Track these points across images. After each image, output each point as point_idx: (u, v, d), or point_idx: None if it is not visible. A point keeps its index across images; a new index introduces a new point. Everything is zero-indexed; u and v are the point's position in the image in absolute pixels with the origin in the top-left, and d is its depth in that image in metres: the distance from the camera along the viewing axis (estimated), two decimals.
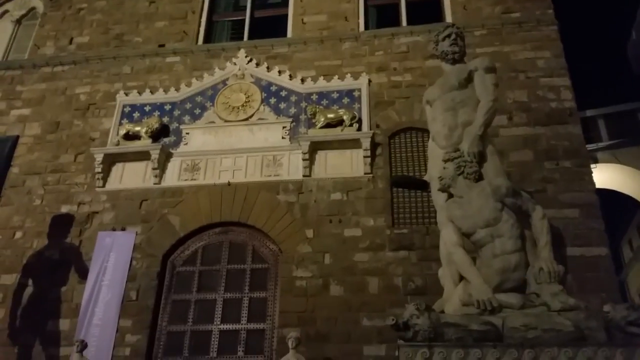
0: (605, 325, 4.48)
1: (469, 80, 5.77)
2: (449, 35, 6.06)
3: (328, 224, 8.65)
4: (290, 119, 9.83)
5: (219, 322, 8.63)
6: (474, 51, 8.89)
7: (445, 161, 5.45)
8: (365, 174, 8.87)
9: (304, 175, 9.17)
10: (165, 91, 10.71)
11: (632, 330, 4.38)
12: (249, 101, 10.29)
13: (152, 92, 10.74)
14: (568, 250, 7.69)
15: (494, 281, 5.02)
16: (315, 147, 9.24)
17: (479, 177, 5.38)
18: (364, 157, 8.90)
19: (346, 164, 9.03)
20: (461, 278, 5.22)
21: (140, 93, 10.77)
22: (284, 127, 9.81)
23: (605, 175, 18.33)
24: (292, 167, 9.34)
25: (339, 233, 8.53)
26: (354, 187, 8.85)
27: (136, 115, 10.58)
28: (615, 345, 4.33)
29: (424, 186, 6.38)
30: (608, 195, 19.18)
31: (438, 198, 5.66)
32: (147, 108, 10.62)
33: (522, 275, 5.08)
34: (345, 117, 9.16)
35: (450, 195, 5.46)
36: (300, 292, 8.28)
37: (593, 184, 8.56)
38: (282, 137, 9.72)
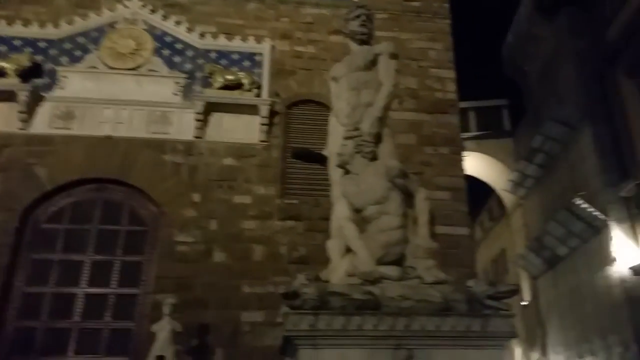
0: (467, 298, 4.99)
1: (374, 63, 5.98)
2: (358, 16, 6.19)
3: (217, 189, 8.50)
4: (185, 75, 9.38)
5: (85, 285, 8.10)
6: (374, 34, 9.17)
7: (345, 139, 5.62)
8: (260, 141, 8.83)
9: (195, 137, 8.86)
10: (41, 26, 9.53)
11: (490, 303, 4.95)
12: (139, 49, 9.59)
13: (24, 25, 9.49)
14: (437, 228, 8.42)
15: (378, 254, 5.34)
16: (210, 108, 8.95)
17: (375, 157, 5.63)
18: (261, 124, 8.84)
19: (241, 130, 8.90)
20: (348, 250, 5.47)
21: (10, 24, 9.45)
22: (176, 83, 9.33)
23: (470, 162, 20.32)
24: (182, 127, 8.96)
25: (227, 199, 8.44)
26: (248, 154, 8.77)
27: (3, 49, 9.30)
28: (475, 315, 4.86)
29: (322, 160, 6.51)
30: (468, 180, 21.18)
31: (334, 173, 5.84)
32: (17, 42, 9.41)
33: (402, 250, 5.47)
34: (244, 81, 8.98)
35: (347, 172, 5.66)
36: (180, 257, 8.08)
37: (463, 170, 9.44)
38: (174, 93, 9.25)
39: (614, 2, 16.44)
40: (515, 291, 5.20)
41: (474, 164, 21.58)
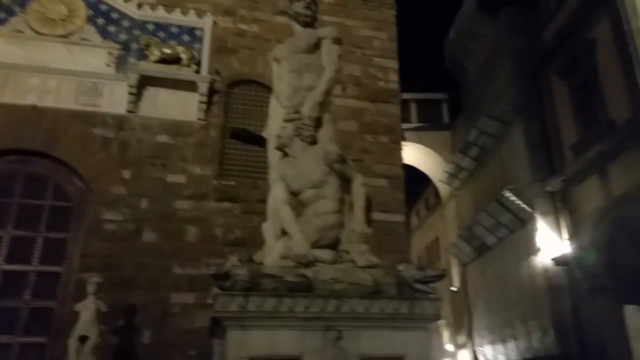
0: (397, 281, 5.10)
1: (317, 46, 5.92)
2: None
3: (149, 167, 8.19)
4: (119, 46, 8.91)
5: (2, 262, 7.61)
6: (319, 18, 9.10)
7: (285, 121, 5.55)
8: (198, 119, 8.56)
9: (127, 111, 8.47)
10: None
11: (418, 287, 5.08)
12: (71, 16, 9.01)
13: None
14: (374, 215, 8.57)
15: (313, 238, 5.34)
16: (145, 82, 8.57)
17: (314, 141, 5.60)
18: (199, 102, 8.57)
19: (178, 106, 8.60)
20: (284, 233, 5.44)
21: None
22: (110, 53, 8.86)
23: (409, 153, 20.82)
24: (114, 100, 8.53)
25: (160, 177, 8.15)
26: (184, 132, 8.49)
27: None
28: (403, 298, 4.98)
29: (261, 142, 6.40)
30: (406, 169, 21.74)
31: (273, 156, 5.76)
32: None
33: (337, 234, 5.49)
34: (183, 56, 8.66)
35: (285, 155, 5.60)
36: (108, 235, 7.75)
37: (401, 159, 9.61)
38: (107, 64, 8.79)
39: (550, 5, 17.19)
40: (442, 275, 5.36)
41: (413, 154, 22.15)
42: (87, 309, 6.63)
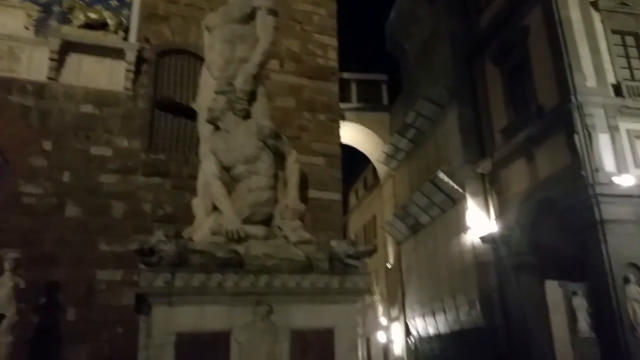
0: (329, 256, 5.12)
1: (251, 16, 5.71)
2: None
3: (72, 138, 7.71)
4: (39, 8, 8.25)
5: None
6: None
7: (217, 93, 5.35)
8: (125, 89, 8.12)
9: (48, 78, 7.90)
10: None
11: (349, 262, 5.13)
12: None
13: None
14: (310, 192, 8.55)
15: (245, 213, 5.24)
16: (68, 48, 8.01)
17: (247, 115, 5.45)
18: (127, 71, 8.12)
19: (104, 75, 8.10)
20: (215, 209, 5.30)
21: None
22: (29, 15, 8.20)
23: (349, 133, 21.01)
24: (33, 66, 7.93)
25: (84, 150, 7.70)
26: (110, 103, 8.03)
27: None
28: (334, 273, 5.02)
29: (191, 114, 6.17)
30: (346, 149, 21.95)
31: (204, 129, 5.56)
32: None
33: (270, 210, 5.42)
34: (110, 22, 8.15)
35: (217, 128, 5.42)
36: (27, 210, 7.27)
37: (339, 138, 9.62)
38: (25, 27, 8.12)
39: None
40: (373, 251, 5.44)
41: (353, 134, 22.37)
42: (3, 286, 6.23)
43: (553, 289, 15.19)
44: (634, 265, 12.07)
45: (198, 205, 5.54)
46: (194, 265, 4.57)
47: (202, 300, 4.52)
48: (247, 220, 5.20)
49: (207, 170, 5.35)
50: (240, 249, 4.93)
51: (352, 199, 31.27)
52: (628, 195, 12.12)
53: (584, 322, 14.88)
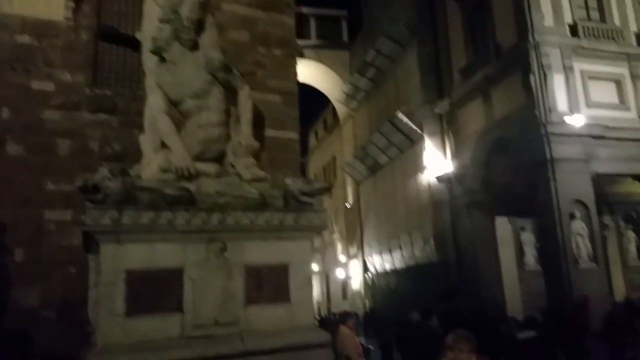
0: (284, 194, 5.10)
1: None
2: None
3: (10, 72, 7.17)
4: None
5: None
6: None
7: (161, 22, 5.02)
8: (65, 19, 7.52)
9: None
10: None
11: (304, 199, 5.13)
12: None
13: None
14: (266, 131, 8.39)
15: (195, 150, 5.10)
16: None
17: (195, 46, 5.17)
18: None
19: (41, 3, 7.44)
20: (163, 145, 5.13)
21: None
22: None
23: (307, 71, 20.55)
24: None
25: (24, 84, 7.19)
26: (50, 33, 7.46)
27: None
28: (289, 210, 5.01)
29: (138, 46, 5.80)
30: (305, 88, 21.56)
31: (149, 60, 5.24)
32: None
33: (222, 147, 5.29)
34: None
35: (163, 60, 5.13)
36: None
37: (296, 74, 9.35)
38: None
39: None
40: (328, 188, 5.46)
41: (312, 73, 21.91)
42: None
43: (503, 225, 15.89)
44: (580, 202, 12.65)
45: (145, 142, 5.34)
46: (142, 203, 4.47)
47: (152, 238, 4.46)
48: (197, 158, 5.06)
49: (154, 104, 5.12)
50: (191, 186, 4.83)
51: (312, 140, 31.16)
52: (578, 134, 12.51)
53: (530, 256, 15.75)
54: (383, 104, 20.17)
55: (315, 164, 30.22)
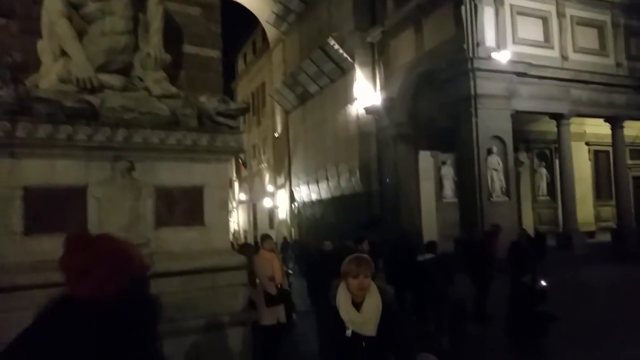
0: (198, 113, 4.82)
1: None
2: None
3: None
4: None
5: None
6: None
7: None
8: None
9: None
10: None
11: (220, 120, 4.88)
12: None
13: None
14: (185, 47, 7.82)
15: (99, 60, 4.64)
16: None
17: None
18: None
19: None
20: (63, 53, 4.62)
21: None
22: None
23: None
24: None
25: None
26: None
27: None
28: (203, 131, 4.76)
29: None
30: (232, 5, 20.27)
31: None
32: None
33: (129, 58, 4.84)
34: None
35: None
36: None
37: None
38: None
39: None
40: (246, 110, 5.22)
41: None
42: None
43: (425, 159, 16.43)
44: (498, 137, 13.22)
45: (44, 49, 4.77)
46: (39, 115, 4.05)
47: (51, 153, 4.09)
48: (101, 68, 4.60)
49: (51, 7, 4.54)
50: (94, 99, 4.41)
51: (240, 64, 29.92)
52: (503, 71, 12.82)
53: (449, 189, 16.53)
54: (314, 29, 19.55)
55: (243, 90, 29.31)
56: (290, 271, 8.08)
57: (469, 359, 5.13)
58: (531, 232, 13.27)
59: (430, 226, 15.42)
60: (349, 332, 2.43)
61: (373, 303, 2.48)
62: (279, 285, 5.68)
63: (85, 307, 1.34)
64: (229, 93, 20.03)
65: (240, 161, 24.41)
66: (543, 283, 5.74)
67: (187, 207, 4.80)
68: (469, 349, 5.65)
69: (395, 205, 15.83)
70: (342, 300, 2.48)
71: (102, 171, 4.33)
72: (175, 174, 4.70)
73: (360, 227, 13.99)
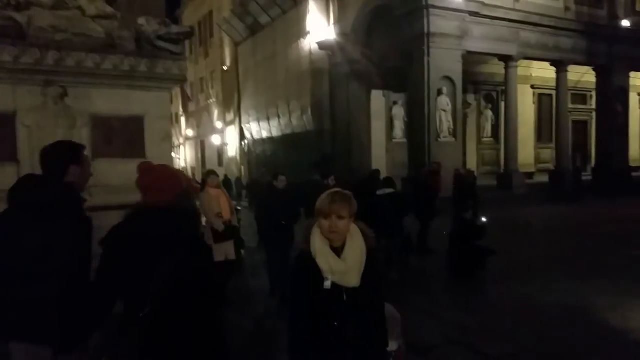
0: (136, 36, 4.48)
1: None
2: None
3: None
4: None
5: None
6: None
7: None
8: None
9: None
10: None
11: (161, 45, 4.56)
12: None
13: None
14: None
15: None
16: None
17: None
18: None
19: None
20: None
21: None
22: None
23: None
24: None
25: None
26: None
27: None
28: (143, 55, 4.45)
29: None
30: None
31: None
32: None
33: None
34: None
35: None
36: None
37: None
38: None
39: None
40: (190, 34, 4.88)
41: None
42: None
43: (377, 98, 16.39)
44: (448, 78, 13.27)
45: None
46: None
47: None
48: None
49: None
50: (20, 17, 4.01)
51: None
52: (456, 9, 12.68)
53: (399, 129, 16.68)
54: None
55: (189, 18, 27.65)
56: (239, 207, 7.96)
57: (415, 290, 5.33)
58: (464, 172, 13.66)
59: (379, 166, 15.56)
60: (327, 284, 1.99)
61: (357, 248, 2.06)
62: (226, 222, 5.59)
63: (151, 210, 2.11)
64: (172, 22, 18.83)
65: (186, 95, 23.51)
66: (483, 219, 5.95)
67: (126, 138, 4.56)
68: (414, 281, 5.87)
69: (346, 145, 15.86)
70: (319, 245, 2.04)
71: (32, 97, 4.04)
72: (112, 102, 4.43)
73: (312, 165, 13.96)
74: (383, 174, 14.39)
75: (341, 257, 2.02)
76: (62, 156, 2.34)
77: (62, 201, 2.17)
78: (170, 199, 2.15)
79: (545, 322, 4.17)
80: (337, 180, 6.63)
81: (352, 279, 2.01)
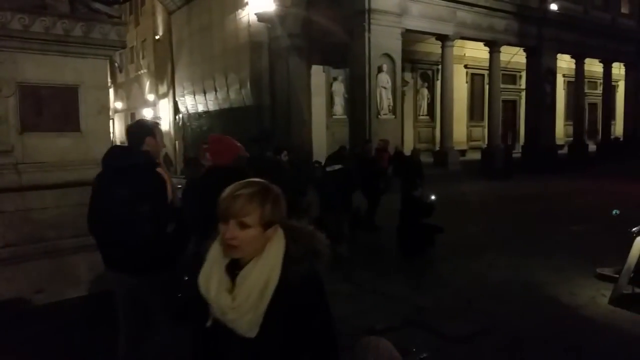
0: None
1: None
2: None
3: None
4: None
5: None
6: None
7: None
8: None
9: None
10: None
11: (97, 7, 4.17)
12: None
13: None
14: None
15: None
16: None
17: None
18: None
19: None
20: None
21: None
22: None
23: None
24: None
25: None
26: None
27: None
28: (77, 19, 4.04)
29: None
30: None
31: None
32: None
33: None
34: None
35: None
36: None
37: None
38: None
39: None
40: None
41: None
42: None
43: (317, 74, 16.18)
44: (388, 55, 13.31)
45: None
46: None
47: None
48: None
49: None
50: None
51: None
52: None
53: (339, 106, 16.62)
54: None
55: None
56: (180, 185, 7.56)
57: (366, 268, 5.30)
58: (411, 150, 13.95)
59: (319, 142, 15.54)
60: (209, 322, 1.34)
61: (258, 277, 1.30)
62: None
63: (218, 169, 3.38)
64: None
65: (116, 64, 22.09)
66: (432, 197, 6.01)
67: (58, 109, 4.17)
68: (365, 258, 5.85)
69: (285, 120, 15.60)
70: (213, 253, 1.36)
71: None
72: (43, 69, 4.02)
73: (250, 140, 13.61)
74: (322, 152, 14.50)
75: (233, 287, 1.31)
76: (139, 130, 2.71)
77: (140, 164, 2.53)
78: (231, 161, 3.40)
79: (499, 301, 4.25)
80: (290, 155, 6.49)
81: (244, 325, 1.29)
